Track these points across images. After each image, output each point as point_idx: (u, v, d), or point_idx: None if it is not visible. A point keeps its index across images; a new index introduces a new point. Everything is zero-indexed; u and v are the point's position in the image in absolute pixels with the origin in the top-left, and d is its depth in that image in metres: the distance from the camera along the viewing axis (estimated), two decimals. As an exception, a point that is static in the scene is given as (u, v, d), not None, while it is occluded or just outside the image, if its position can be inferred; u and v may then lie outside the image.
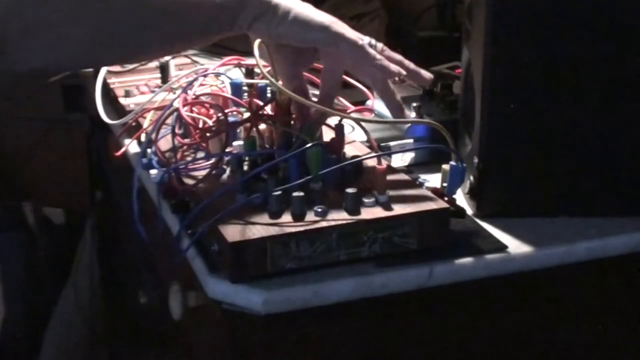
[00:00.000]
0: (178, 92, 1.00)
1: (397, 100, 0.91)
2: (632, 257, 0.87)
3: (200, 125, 0.94)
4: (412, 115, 1.03)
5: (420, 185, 0.89)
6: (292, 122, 0.91)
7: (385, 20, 1.59)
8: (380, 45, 0.91)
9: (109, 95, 1.22)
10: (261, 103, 0.93)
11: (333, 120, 0.93)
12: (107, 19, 0.83)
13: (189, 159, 0.94)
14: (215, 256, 0.80)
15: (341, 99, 1.01)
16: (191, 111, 0.95)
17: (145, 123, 1.03)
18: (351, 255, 0.79)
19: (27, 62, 0.83)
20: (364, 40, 0.89)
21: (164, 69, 1.20)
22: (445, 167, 0.87)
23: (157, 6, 0.85)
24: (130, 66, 1.32)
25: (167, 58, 1.22)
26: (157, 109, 1.04)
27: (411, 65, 0.93)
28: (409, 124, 1.01)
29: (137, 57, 0.99)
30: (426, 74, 0.94)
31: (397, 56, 0.92)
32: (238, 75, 1.08)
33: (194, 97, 0.96)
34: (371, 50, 0.88)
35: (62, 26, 0.82)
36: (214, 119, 0.95)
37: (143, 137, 1.02)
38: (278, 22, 0.88)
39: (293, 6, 0.89)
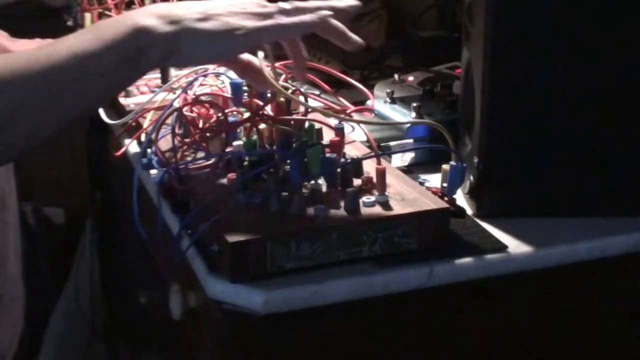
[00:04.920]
0: (178, 92, 1.00)
1: (302, 57, 0.88)
2: (632, 257, 0.87)
3: (201, 125, 0.94)
4: (412, 115, 1.03)
5: (420, 185, 0.89)
6: (292, 122, 0.91)
7: (385, 20, 1.59)
8: (292, 3, 0.85)
9: (109, 95, 1.22)
10: (261, 103, 0.93)
11: (333, 121, 0.93)
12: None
13: (189, 159, 0.94)
14: (215, 256, 0.80)
15: (341, 98, 1.01)
16: (191, 111, 0.95)
17: (145, 123, 1.03)
18: (351, 255, 0.79)
19: None
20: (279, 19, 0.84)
21: (164, 69, 1.20)
22: (445, 167, 0.87)
23: (52, 77, 0.77)
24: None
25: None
26: (157, 109, 1.04)
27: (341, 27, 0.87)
28: (410, 124, 1.01)
29: (42, 131, 0.85)
30: (355, 38, 0.87)
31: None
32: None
33: (194, 97, 0.96)
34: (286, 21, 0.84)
35: None
36: (214, 119, 0.95)
37: (143, 137, 1.02)
38: (191, 48, 0.81)
39: (195, 25, 0.81)
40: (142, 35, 0.79)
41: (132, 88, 1.21)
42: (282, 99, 0.91)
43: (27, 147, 0.82)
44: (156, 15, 0.81)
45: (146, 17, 0.80)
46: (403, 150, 0.99)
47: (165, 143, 0.95)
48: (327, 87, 1.02)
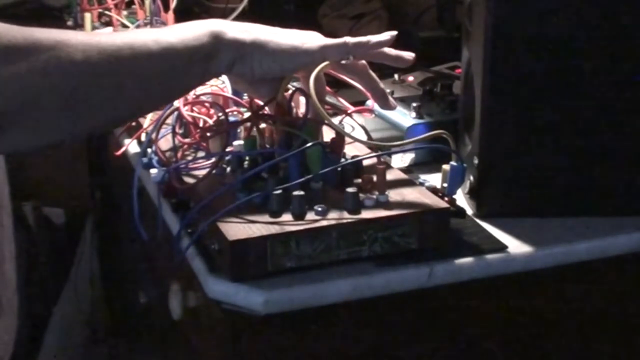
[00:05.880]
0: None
1: (381, 89, 0.94)
2: (632, 257, 0.87)
3: (201, 124, 0.94)
4: (412, 115, 1.03)
5: (421, 185, 0.89)
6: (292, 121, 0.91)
7: (385, 20, 1.59)
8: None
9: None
10: (261, 103, 0.93)
11: (334, 120, 0.93)
12: (79, 90, 0.77)
13: (189, 158, 0.94)
14: (215, 255, 0.80)
15: (341, 99, 1.01)
16: (192, 110, 0.95)
17: (146, 123, 1.03)
18: (351, 255, 0.79)
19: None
20: (344, 38, 0.89)
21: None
22: (445, 167, 0.87)
23: (122, 72, 0.78)
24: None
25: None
26: (157, 108, 1.04)
27: (392, 51, 0.93)
28: (410, 124, 1.01)
29: (110, 123, 0.89)
30: (407, 54, 0.93)
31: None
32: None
33: (194, 96, 0.96)
34: (351, 40, 0.89)
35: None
36: (214, 118, 0.95)
37: (143, 137, 1.02)
38: (259, 59, 0.86)
39: (266, 37, 0.86)
40: (218, 37, 0.84)
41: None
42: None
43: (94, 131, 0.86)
44: (233, 24, 0.86)
45: (224, 24, 0.85)
46: (403, 150, 0.99)
47: (165, 142, 0.95)
48: (327, 87, 1.02)
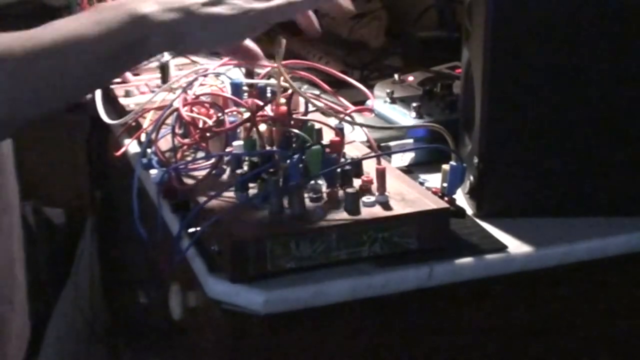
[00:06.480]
0: (178, 92, 1.00)
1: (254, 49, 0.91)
2: (632, 257, 0.87)
3: (200, 125, 0.94)
4: (412, 115, 1.03)
5: (420, 185, 0.89)
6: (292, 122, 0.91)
7: (385, 20, 1.59)
8: None
9: (109, 95, 1.22)
10: (261, 103, 0.93)
11: (333, 121, 0.93)
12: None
13: (189, 158, 0.94)
14: (215, 256, 0.80)
15: (341, 98, 1.01)
16: (191, 111, 0.95)
17: (145, 123, 1.03)
18: (351, 255, 0.79)
19: None
20: None
21: (163, 69, 1.20)
22: (445, 167, 0.87)
23: (52, 59, 0.76)
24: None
25: (167, 57, 1.22)
26: (157, 109, 1.04)
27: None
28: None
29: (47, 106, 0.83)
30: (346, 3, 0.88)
31: None
32: (238, 75, 1.08)
33: (194, 97, 0.96)
34: None
35: None
36: (214, 119, 0.95)
37: (143, 137, 1.02)
38: (197, 37, 0.80)
39: (196, 10, 0.79)
40: (140, 23, 0.77)
41: (132, 88, 1.21)
42: (282, 99, 0.91)
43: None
44: (157, 1, 0.78)
45: (146, 4, 0.78)
46: (403, 150, 0.99)
47: (165, 143, 0.95)
48: (327, 87, 1.02)
